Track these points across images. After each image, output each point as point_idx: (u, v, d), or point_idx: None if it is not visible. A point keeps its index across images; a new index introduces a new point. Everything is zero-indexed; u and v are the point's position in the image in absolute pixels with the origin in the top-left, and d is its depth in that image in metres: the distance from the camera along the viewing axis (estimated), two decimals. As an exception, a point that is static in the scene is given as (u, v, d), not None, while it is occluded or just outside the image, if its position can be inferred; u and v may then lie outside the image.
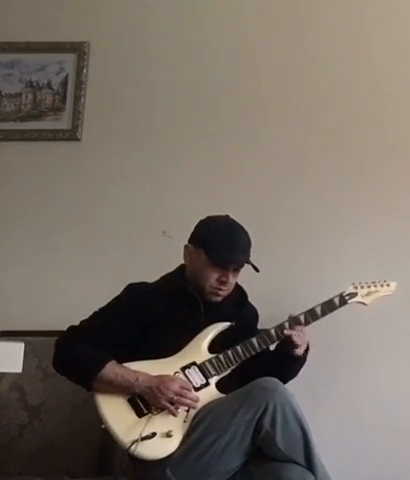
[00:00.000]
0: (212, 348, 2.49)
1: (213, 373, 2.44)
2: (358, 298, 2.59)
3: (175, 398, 2.36)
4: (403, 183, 3.13)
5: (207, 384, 2.43)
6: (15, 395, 2.91)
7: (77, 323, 2.54)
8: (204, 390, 2.43)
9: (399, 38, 3.25)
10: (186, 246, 2.60)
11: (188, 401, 2.38)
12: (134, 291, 2.58)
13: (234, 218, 2.59)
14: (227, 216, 2.60)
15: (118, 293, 2.61)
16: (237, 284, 2.63)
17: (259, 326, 2.70)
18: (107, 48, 3.39)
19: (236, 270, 2.55)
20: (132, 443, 2.31)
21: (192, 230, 2.62)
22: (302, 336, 2.50)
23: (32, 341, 2.84)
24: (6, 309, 3.10)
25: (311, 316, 2.53)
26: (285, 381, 2.44)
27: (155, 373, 2.41)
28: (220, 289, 2.54)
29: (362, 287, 2.61)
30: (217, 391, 2.43)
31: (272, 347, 2.55)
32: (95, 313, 2.55)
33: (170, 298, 2.54)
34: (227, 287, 2.55)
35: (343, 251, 3.09)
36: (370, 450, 2.92)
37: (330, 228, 3.12)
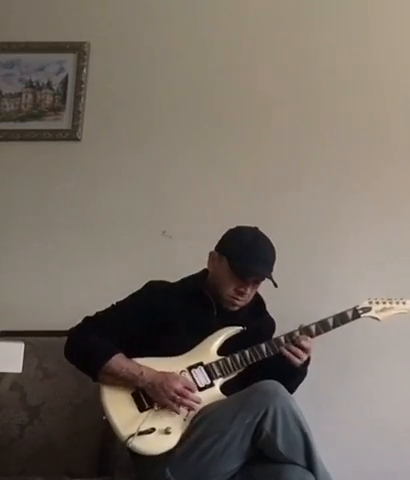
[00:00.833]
0: (221, 351, 2.50)
1: (219, 374, 2.46)
2: (372, 313, 2.58)
3: (177, 397, 2.37)
4: (405, 184, 3.13)
5: (211, 385, 2.45)
6: (15, 395, 2.90)
7: (77, 323, 2.56)
8: (208, 391, 2.44)
9: (400, 38, 3.25)
10: (211, 253, 2.63)
11: (189, 402, 2.39)
12: (152, 289, 2.61)
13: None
14: (255, 228, 2.61)
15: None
16: (256, 293, 2.63)
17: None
18: (107, 48, 3.39)
19: (256, 282, 2.56)
20: (129, 436, 2.33)
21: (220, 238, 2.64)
22: (305, 351, 2.48)
23: (32, 341, 2.84)
24: (6, 309, 3.10)
25: (322, 327, 2.53)
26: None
27: (162, 370, 2.43)
28: (237, 299, 2.55)
29: (377, 303, 2.60)
30: (221, 393, 2.44)
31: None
32: (112, 306, 2.59)
33: (186, 299, 2.57)
34: (244, 298, 2.56)
35: (343, 252, 3.09)
36: (370, 450, 2.92)
37: (330, 229, 3.12)
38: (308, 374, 2.56)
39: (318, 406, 2.78)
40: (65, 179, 3.31)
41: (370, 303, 2.59)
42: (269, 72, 3.28)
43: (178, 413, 2.37)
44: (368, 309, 2.58)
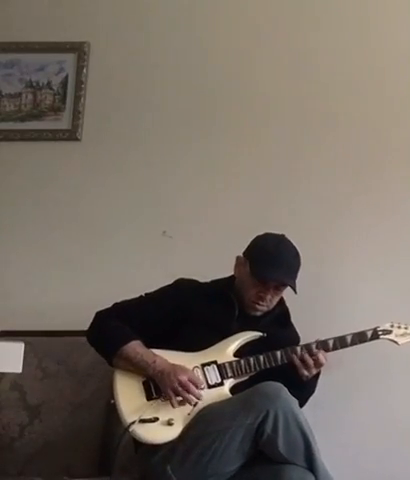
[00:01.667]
0: (238, 354, 2.53)
1: (230, 375, 2.48)
2: (391, 336, 2.60)
3: (179, 389, 2.39)
4: (405, 185, 3.13)
5: (221, 384, 2.47)
6: (15, 395, 2.90)
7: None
8: (216, 389, 2.46)
9: (400, 38, 3.25)
10: (238, 257, 2.67)
11: (188, 395, 2.40)
12: (180, 285, 2.66)
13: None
14: (282, 235, 2.65)
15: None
16: (283, 303, 2.68)
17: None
18: (107, 48, 3.39)
19: (277, 288, 2.59)
20: (131, 423, 2.36)
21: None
22: (317, 364, 2.49)
23: (32, 341, 2.84)
24: (6, 309, 3.10)
25: (340, 343, 2.55)
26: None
27: (175, 363, 2.47)
28: (258, 304, 2.59)
29: (399, 327, 2.61)
30: (229, 393, 2.46)
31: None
32: (140, 296, 2.65)
33: (211, 299, 2.61)
34: (266, 303, 2.59)
35: (343, 253, 3.09)
36: (371, 453, 2.92)
37: (330, 230, 3.12)
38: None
39: (319, 408, 2.78)
40: (65, 179, 3.31)
41: (391, 326, 2.61)
42: (269, 72, 3.28)
43: (173, 406, 2.40)
44: (389, 332, 2.60)
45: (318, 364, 2.49)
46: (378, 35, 3.25)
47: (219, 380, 2.47)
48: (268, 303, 2.60)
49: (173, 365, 2.45)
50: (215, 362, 2.49)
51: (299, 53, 3.28)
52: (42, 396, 2.90)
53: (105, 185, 3.28)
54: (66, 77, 3.39)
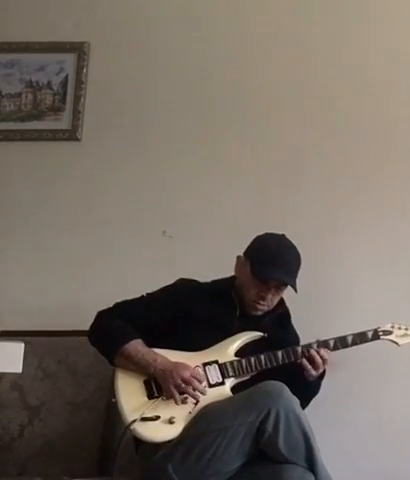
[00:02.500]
0: (239, 353, 2.54)
1: (231, 374, 2.49)
2: (392, 337, 2.61)
3: (182, 385, 2.40)
4: (405, 184, 3.13)
5: (222, 383, 2.47)
6: (15, 395, 2.90)
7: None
8: (217, 388, 2.46)
9: (400, 39, 3.25)
10: (238, 257, 2.68)
11: (192, 391, 2.41)
12: (181, 285, 2.68)
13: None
14: (282, 235, 2.66)
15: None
16: (283, 303, 2.69)
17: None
18: (107, 48, 3.39)
19: (278, 288, 2.60)
20: (133, 421, 2.36)
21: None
22: (324, 361, 2.50)
23: (32, 341, 2.84)
24: (6, 309, 3.10)
25: (340, 343, 2.56)
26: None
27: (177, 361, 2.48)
28: (259, 303, 2.60)
29: (399, 328, 2.62)
30: (230, 392, 2.46)
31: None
32: (141, 296, 2.65)
33: (212, 298, 2.62)
34: (266, 303, 2.60)
35: (344, 252, 3.09)
36: (371, 453, 2.92)
37: (331, 230, 3.12)
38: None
39: (320, 408, 2.78)
40: (65, 179, 3.31)
41: (392, 327, 2.62)
42: (269, 72, 3.28)
43: (177, 403, 2.40)
44: (389, 333, 2.61)
45: (324, 360, 2.49)
46: (379, 34, 3.25)
47: (220, 379, 2.48)
48: (269, 303, 2.61)
49: (175, 363, 2.45)
50: (216, 361, 2.50)
51: (300, 52, 3.28)
52: (42, 396, 2.90)
53: (105, 185, 3.28)
54: (66, 77, 3.39)
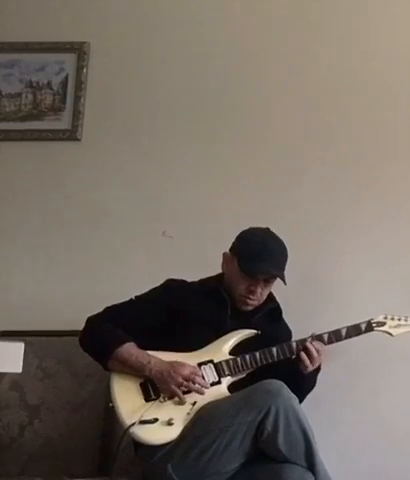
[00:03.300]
0: (234, 352, 2.53)
1: (227, 373, 2.48)
2: (385, 328, 2.63)
3: (184, 383, 2.40)
4: (405, 185, 3.12)
5: (219, 382, 2.47)
6: (15, 395, 2.90)
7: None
8: (214, 388, 2.46)
9: (401, 39, 3.25)
10: (224, 253, 2.68)
11: (196, 386, 2.41)
12: (170, 285, 2.66)
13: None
14: (266, 228, 2.66)
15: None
16: (274, 299, 2.69)
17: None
18: (107, 48, 3.39)
19: (267, 282, 2.60)
20: (131, 425, 2.35)
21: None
22: (319, 353, 2.51)
23: (32, 341, 2.85)
24: (6, 309, 3.10)
25: (335, 336, 2.57)
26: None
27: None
28: (249, 298, 2.59)
29: (392, 319, 2.64)
30: (227, 391, 2.46)
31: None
32: (130, 299, 2.64)
33: (202, 297, 2.61)
34: (256, 297, 2.60)
35: (344, 252, 3.09)
36: (371, 452, 2.92)
37: (331, 229, 3.12)
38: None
39: (320, 407, 2.78)
40: (65, 179, 3.31)
41: (385, 318, 2.64)
42: (269, 72, 3.28)
43: (183, 401, 2.40)
44: (382, 324, 2.63)
45: (318, 352, 2.50)
46: (379, 35, 3.25)
47: (216, 379, 2.47)
48: (259, 297, 2.61)
49: (170, 362, 2.45)
50: (211, 361, 2.49)
51: (301, 53, 3.27)
52: (42, 396, 2.90)
53: (105, 185, 3.28)
54: (66, 77, 3.39)
